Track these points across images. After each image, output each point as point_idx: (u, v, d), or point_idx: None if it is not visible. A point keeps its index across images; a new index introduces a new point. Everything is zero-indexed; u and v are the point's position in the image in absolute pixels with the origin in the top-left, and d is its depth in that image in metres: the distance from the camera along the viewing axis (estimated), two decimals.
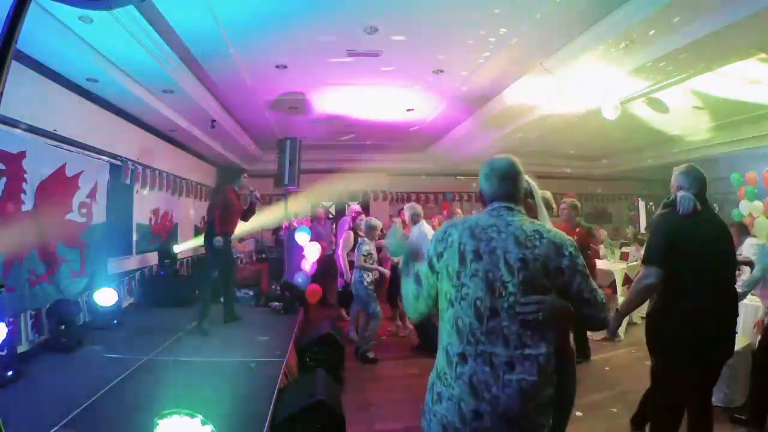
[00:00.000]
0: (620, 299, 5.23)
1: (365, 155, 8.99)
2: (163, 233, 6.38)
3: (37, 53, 3.53)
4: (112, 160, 4.99)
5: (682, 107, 5.76)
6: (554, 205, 2.60)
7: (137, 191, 5.62)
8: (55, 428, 2.34)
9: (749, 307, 3.69)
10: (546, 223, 1.58)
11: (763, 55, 3.86)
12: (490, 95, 5.52)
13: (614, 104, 5.03)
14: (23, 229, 3.58)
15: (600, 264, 5.37)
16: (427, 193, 10.33)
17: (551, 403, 1.34)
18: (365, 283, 4.56)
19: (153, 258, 6.01)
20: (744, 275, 3.54)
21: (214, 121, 5.86)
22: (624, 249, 7.20)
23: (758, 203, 6.95)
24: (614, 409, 3.29)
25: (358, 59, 4.33)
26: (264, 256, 7.56)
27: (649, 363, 2.31)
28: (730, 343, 2.12)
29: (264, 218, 8.63)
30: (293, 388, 2.92)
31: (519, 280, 1.32)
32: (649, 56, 3.80)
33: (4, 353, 2.98)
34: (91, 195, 4.60)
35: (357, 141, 8.18)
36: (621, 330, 5.07)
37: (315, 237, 6.50)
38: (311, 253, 6.17)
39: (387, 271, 5.03)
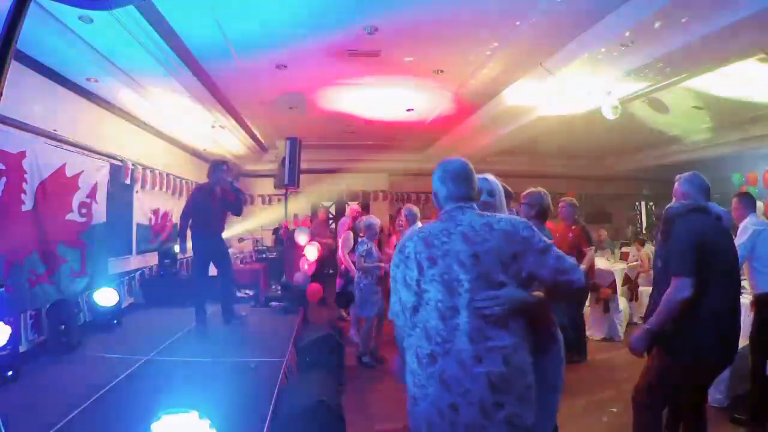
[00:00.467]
0: (620, 299, 5.23)
1: (365, 155, 9.00)
2: (163, 233, 6.38)
3: (37, 53, 3.53)
4: (112, 160, 4.99)
5: (682, 107, 5.76)
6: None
7: (137, 191, 5.62)
8: (55, 428, 2.34)
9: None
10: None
11: (762, 55, 3.85)
12: (490, 95, 5.52)
13: (614, 104, 5.03)
14: (23, 229, 3.58)
15: (600, 264, 5.37)
16: (427, 193, 10.34)
17: (532, 392, 1.37)
18: (361, 285, 4.45)
19: (153, 258, 6.01)
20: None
21: (214, 120, 5.86)
22: (624, 249, 7.19)
23: (758, 203, 6.95)
24: (614, 409, 3.28)
25: (358, 59, 4.33)
26: (264, 256, 7.55)
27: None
28: (737, 345, 2.13)
29: (264, 218, 8.65)
30: (293, 388, 2.92)
31: (473, 276, 1.37)
32: (649, 56, 3.80)
33: (4, 353, 2.98)
34: (91, 195, 4.60)
35: (357, 141, 8.19)
36: (621, 330, 5.06)
37: (315, 237, 6.49)
38: (311, 253, 6.16)
39: (386, 267, 4.87)
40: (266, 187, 9.06)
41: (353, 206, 6.49)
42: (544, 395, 1.48)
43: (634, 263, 6.03)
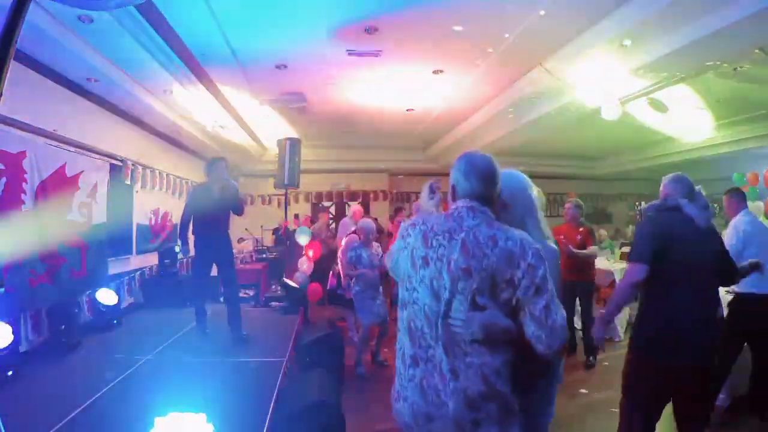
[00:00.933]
0: None
1: (365, 155, 9.00)
2: (163, 233, 6.37)
3: (37, 53, 3.53)
4: (112, 160, 4.99)
5: (682, 107, 5.76)
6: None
7: (137, 191, 5.62)
8: (55, 428, 2.34)
9: None
10: (536, 229, 1.53)
11: (762, 55, 3.85)
12: (489, 96, 5.52)
13: (614, 104, 5.02)
14: (23, 229, 3.58)
15: (600, 264, 5.37)
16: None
17: (515, 417, 1.28)
18: (353, 292, 4.25)
19: (153, 258, 6.01)
20: None
21: (214, 121, 5.86)
22: (624, 249, 7.19)
23: (759, 203, 6.94)
24: (614, 409, 3.27)
25: (358, 59, 4.33)
26: (264, 256, 7.55)
27: None
28: (705, 349, 2.02)
29: (264, 218, 8.65)
30: (293, 388, 2.92)
31: (456, 290, 1.27)
32: (649, 56, 3.79)
33: (4, 353, 2.98)
34: (91, 195, 4.60)
35: (357, 141, 8.19)
36: (621, 330, 5.06)
37: (316, 237, 6.49)
38: (310, 253, 6.16)
39: (368, 272, 4.20)
40: (266, 187, 9.06)
41: (353, 206, 6.46)
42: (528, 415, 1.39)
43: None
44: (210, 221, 4.04)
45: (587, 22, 3.60)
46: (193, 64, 4.36)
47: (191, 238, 4.17)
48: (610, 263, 6.04)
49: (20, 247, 3.54)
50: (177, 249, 4.22)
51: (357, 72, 4.71)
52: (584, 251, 4.26)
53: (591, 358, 4.26)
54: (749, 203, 7.15)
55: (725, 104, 5.56)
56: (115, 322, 4.52)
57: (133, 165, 5.38)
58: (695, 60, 3.91)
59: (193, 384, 2.86)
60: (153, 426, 1.90)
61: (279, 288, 5.92)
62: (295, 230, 6.53)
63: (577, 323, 4.72)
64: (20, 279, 3.54)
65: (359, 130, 7.34)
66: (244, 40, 3.89)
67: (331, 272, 5.53)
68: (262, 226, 8.23)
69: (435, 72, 4.73)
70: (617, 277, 5.48)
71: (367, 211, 9.06)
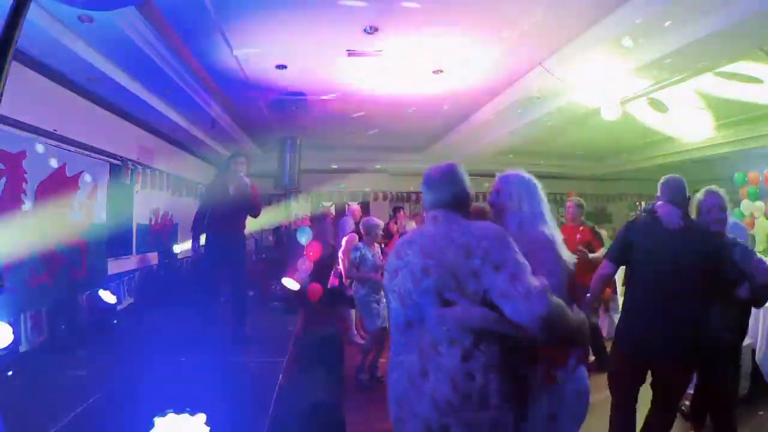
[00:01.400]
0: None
1: (365, 155, 8.99)
2: (163, 233, 6.37)
3: (38, 53, 3.53)
4: (112, 160, 4.99)
5: (683, 107, 5.76)
6: None
7: (137, 191, 5.62)
8: (55, 428, 2.34)
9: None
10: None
11: (763, 55, 3.85)
12: (489, 96, 5.52)
13: (614, 104, 5.02)
14: (23, 229, 3.58)
15: None
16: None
17: (490, 426, 1.22)
18: (358, 296, 4.10)
19: (153, 258, 6.01)
20: None
21: (214, 120, 5.86)
22: None
23: (759, 203, 6.94)
24: None
25: (358, 59, 4.33)
26: (264, 256, 7.55)
27: None
28: (675, 352, 2.10)
29: (264, 218, 8.63)
30: (293, 388, 2.92)
31: (421, 290, 1.29)
32: (649, 56, 3.79)
33: (4, 353, 2.98)
34: (91, 195, 4.60)
35: (357, 141, 8.18)
36: None
37: (315, 237, 6.49)
38: (311, 253, 6.16)
39: (377, 277, 4.05)
40: (266, 187, 9.05)
41: (353, 206, 6.47)
42: None
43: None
44: (224, 221, 3.85)
45: (587, 22, 3.59)
46: (193, 63, 4.36)
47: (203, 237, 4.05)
48: None
49: (20, 247, 3.54)
50: (175, 248, 4.13)
51: (357, 72, 4.70)
52: (595, 254, 4.03)
53: (596, 364, 4.13)
54: (751, 203, 7.18)
55: (726, 104, 5.55)
56: (115, 322, 4.52)
57: (133, 165, 5.37)
58: (695, 60, 3.91)
59: (192, 384, 2.86)
60: (153, 426, 1.89)
61: (279, 288, 5.92)
62: (295, 230, 6.53)
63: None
64: (20, 279, 3.54)
65: (359, 130, 7.34)
66: (244, 39, 3.89)
67: (332, 272, 5.53)
68: (262, 226, 8.22)
69: (435, 72, 4.73)
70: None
71: (367, 211, 9.05)
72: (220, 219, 3.83)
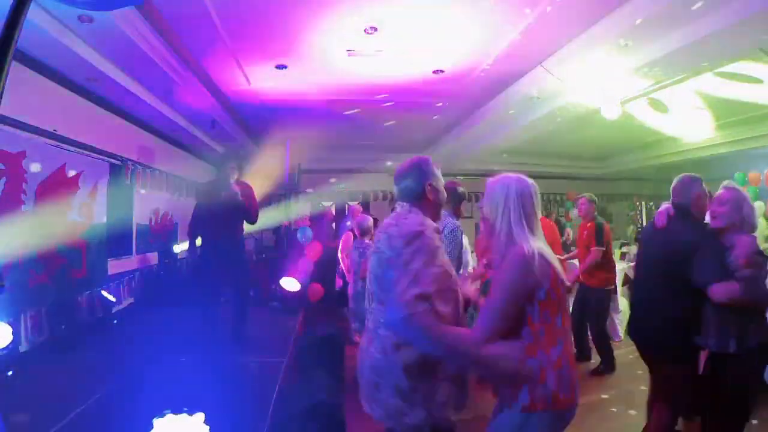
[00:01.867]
0: (620, 299, 5.22)
1: (366, 155, 8.99)
2: (163, 233, 6.37)
3: (37, 53, 3.53)
4: (112, 160, 4.99)
5: (683, 107, 5.76)
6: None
7: (137, 191, 5.62)
8: (55, 428, 2.34)
9: None
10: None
11: (763, 55, 3.85)
12: (490, 96, 5.52)
13: (614, 104, 5.02)
14: (23, 229, 3.58)
15: None
16: None
17: (408, 393, 1.42)
18: (356, 289, 4.16)
19: (153, 258, 6.01)
20: None
21: (214, 121, 5.86)
22: (623, 249, 7.18)
23: (759, 203, 6.94)
24: (614, 409, 3.29)
25: (357, 59, 4.33)
26: (264, 256, 7.55)
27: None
28: (643, 339, 2.33)
29: (264, 218, 8.64)
30: (293, 388, 2.92)
31: (374, 275, 1.52)
32: (649, 56, 3.79)
33: (4, 353, 2.98)
34: (91, 195, 4.60)
35: (357, 141, 8.18)
36: (621, 330, 5.05)
37: (315, 237, 6.49)
38: (310, 253, 6.17)
39: None
40: (266, 186, 9.04)
41: (353, 206, 6.47)
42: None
43: (635, 263, 6.02)
44: (218, 223, 3.70)
45: (587, 22, 3.59)
46: (193, 63, 4.36)
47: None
48: None
49: (20, 247, 3.54)
50: (176, 248, 4.09)
51: (357, 72, 4.71)
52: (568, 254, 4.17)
53: (601, 366, 4.06)
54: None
55: (726, 104, 5.55)
56: (115, 322, 4.52)
57: (133, 165, 5.37)
58: (695, 60, 3.91)
59: (192, 384, 2.86)
60: (152, 426, 1.90)
61: (279, 288, 5.92)
62: (295, 230, 6.53)
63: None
64: (20, 279, 3.54)
65: (359, 130, 7.34)
66: (244, 39, 3.89)
67: (336, 273, 5.55)
68: (262, 226, 8.22)
69: (435, 72, 4.73)
70: (617, 277, 5.47)
71: (367, 211, 9.05)
72: (214, 221, 3.71)
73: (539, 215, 1.45)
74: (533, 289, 1.32)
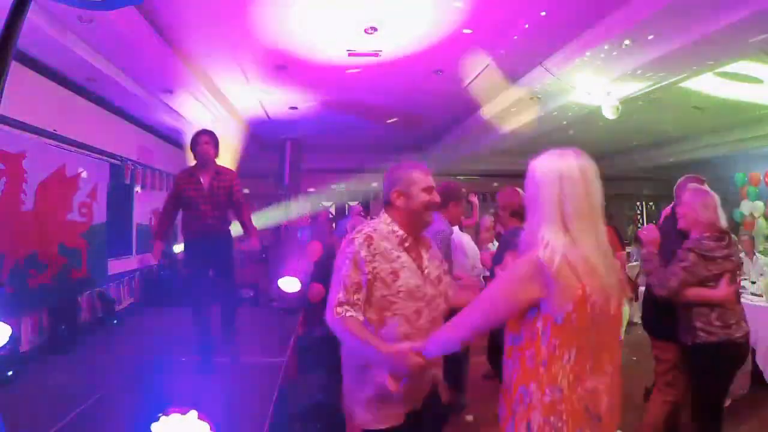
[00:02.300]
0: None
1: (365, 155, 8.99)
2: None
3: (37, 53, 3.53)
4: (112, 160, 4.99)
5: (683, 107, 5.76)
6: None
7: (137, 191, 5.62)
8: (55, 428, 2.34)
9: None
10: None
11: (763, 55, 3.85)
12: (489, 96, 5.52)
13: (614, 104, 5.02)
14: (23, 229, 3.58)
15: None
16: None
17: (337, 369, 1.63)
18: None
19: (153, 258, 6.01)
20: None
21: (214, 121, 5.85)
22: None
23: (759, 203, 6.94)
24: None
25: (358, 59, 4.33)
26: (264, 256, 7.55)
27: (645, 363, 2.52)
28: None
29: (264, 218, 8.64)
30: (293, 388, 2.92)
31: None
32: (649, 56, 3.79)
33: (4, 353, 2.98)
34: (91, 195, 4.60)
35: (357, 141, 8.19)
36: (621, 330, 5.04)
37: (315, 237, 6.50)
38: (311, 253, 6.16)
39: None
40: (267, 186, 9.06)
41: (353, 206, 6.47)
42: None
43: (635, 263, 6.02)
44: (200, 218, 3.18)
45: (587, 22, 3.59)
46: (193, 64, 4.36)
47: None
48: None
49: (20, 247, 3.54)
50: (176, 250, 3.87)
51: (357, 72, 4.70)
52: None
53: None
54: (750, 203, 7.16)
55: (726, 104, 5.55)
56: (115, 322, 4.52)
57: (133, 165, 5.38)
58: (695, 60, 3.91)
59: (192, 384, 2.86)
60: (152, 426, 1.89)
61: (279, 288, 5.93)
62: (295, 230, 6.53)
63: None
64: (20, 279, 3.54)
65: (359, 130, 7.34)
66: (244, 40, 3.89)
67: None
68: (262, 226, 8.22)
69: (435, 72, 4.73)
70: None
71: (367, 211, 9.05)
72: (196, 215, 3.19)
73: (596, 208, 1.14)
74: (535, 304, 1.07)
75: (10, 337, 3.00)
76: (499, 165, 9.13)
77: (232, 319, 3.49)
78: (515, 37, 3.85)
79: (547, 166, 1.17)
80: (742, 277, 3.78)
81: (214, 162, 3.31)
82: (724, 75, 4.50)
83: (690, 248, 2.05)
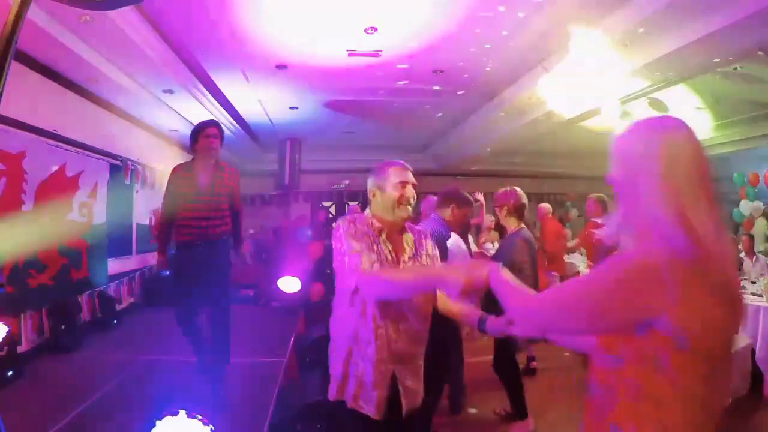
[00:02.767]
0: None
1: (365, 155, 8.99)
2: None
3: (37, 53, 3.53)
4: (112, 160, 4.99)
5: (683, 107, 5.75)
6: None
7: (137, 191, 5.62)
8: (55, 428, 2.34)
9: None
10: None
11: (763, 55, 3.85)
12: (489, 96, 5.52)
13: (614, 104, 5.02)
14: (23, 229, 3.58)
15: None
16: (427, 193, 10.31)
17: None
18: None
19: (153, 258, 6.00)
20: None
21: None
22: None
23: (758, 203, 6.94)
24: None
25: (358, 59, 4.33)
26: (264, 256, 7.55)
27: None
28: None
29: (264, 218, 8.65)
30: (293, 388, 2.92)
31: None
32: (649, 56, 3.79)
33: (3, 353, 2.98)
34: (91, 195, 4.60)
35: (357, 141, 8.19)
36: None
37: (315, 237, 6.50)
38: (310, 253, 6.17)
39: None
40: (267, 186, 9.07)
41: (353, 206, 6.48)
42: None
43: None
44: (195, 221, 2.80)
45: (587, 22, 3.59)
46: (193, 64, 4.36)
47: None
48: None
49: (20, 247, 3.54)
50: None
51: (356, 72, 4.71)
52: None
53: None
54: (750, 203, 7.16)
55: (725, 104, 5.55)
56: (115, 322, 4.52)
57: (133, 165, 5.38)
58: (695, 60, 3.91)
59: (192, 384, 2.86)
60: (153, 426, 1.89)
61: (279, 288, 5.93)
62: (295, 230, 6.53)
63: None
64: (20, 279, 3.54)
65: (359, 130, 7.34)
66: (244, 40, 3.89)
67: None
68: (262, 226, 8.23)
69: (435, 72, 4.73)
70: None
71: None
72: (189, 219, 2.81)
73: (710, 190, 0.85)
74: (648, 318, 0.76)
75: (9, 337, 3.03)
76: (499, 165, 9.15)
77: (225, 348, 2.99)
78: (515, 37, 3.85)
79: (655, 136, 0.86)
80: (742, 277, 3.81)
81: (217, 159, 2.88)
82: (724, 75, 4.51)
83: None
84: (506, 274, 1.08)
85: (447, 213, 2.66)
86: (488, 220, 5.29)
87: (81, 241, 4.40)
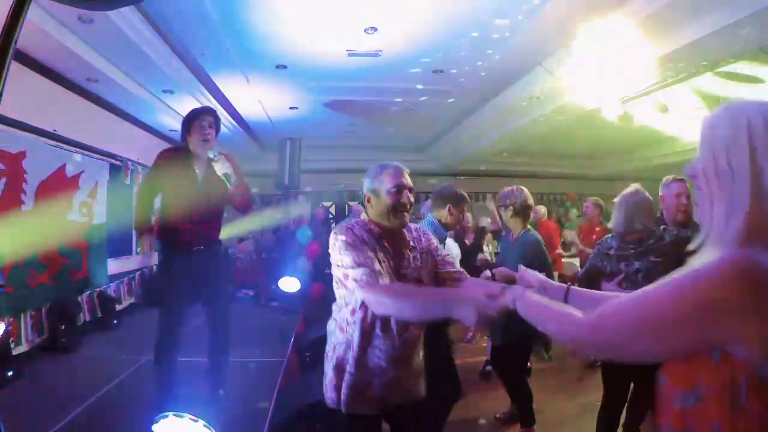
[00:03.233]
0: None
1: (365, 155, 8.99)
2: None
3: (38, 53, 3.53)
4: (112, 160, 4.99)
5: (683, 107, 5.75)
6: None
7: (137, 191, 5.62)
8: (55, 428, 2.34)
9: None
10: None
11: (763, 55, 3.85)
12: (490, 96, 5.52)
13: (614, 104, 5.02)
14: (23, 229, 3.58)
15: None
16: (427, 192, 10.30)
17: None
18: None
19: (153, 258, 6.01)
20: None
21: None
22: None
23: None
24: None
25: (358, 59, 4.33)
26: (264, 256, 7.55)
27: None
28: None
29: (265, 218, 8.64)
30: (293, 388, 2.92)
31: None
32: (649, 56, 3.79)
33: (4, 353, 2.99)
34: (91, 195, 4.60)
35: (357, 141, 8.19)
36: None
37: (315, 237, 6.50)
38: (310, 253, 6.17)
39: None
40: (266, 186, 9.06)
41: (353, 206, 6.48)
42: None
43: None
44: (190, 220, 2.44)
45: (587, 22, 3.59)
46: (193, 64, 4.36)
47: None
48: None
49: (20, 247, 3.54)
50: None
51: (357, 72, 4.71)
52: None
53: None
54: None
55: (725, 104, 5.54)
56: (115, 322, 4.52)
57: (133, 165, 5.38)
58: (695, 60, 3.91)
59: (192, 384, 2.86)
60: (152, 426, 1.89)
61: (279, 288, 5.93)
62: (295, 230, 6.54)
63: None
64: (20, 279, 3.54)
65: (359, 130, 7.34)
66: (244, 40, 3.89)
67: None
68: (262, 226, 8.22)
69: (435, 72, 4.73)
70: None
71: None
72: (181, 219, 2.44)
73: None
74: (724, 341, 0.65)
75: (9, 338, 3.03)
76: (499, 165, 9.15)
77: (225, 348, 2.84)
78: (515, 37, 3.85)
79: (755, 114, 0.75)
80: None
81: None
82: (723, 75, 4.50)
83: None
84: (535, 297, 0.96)
85: (443, 214, 2.49)
86: (468, 219, 5.11)
87: (81, 241, 4.40)
